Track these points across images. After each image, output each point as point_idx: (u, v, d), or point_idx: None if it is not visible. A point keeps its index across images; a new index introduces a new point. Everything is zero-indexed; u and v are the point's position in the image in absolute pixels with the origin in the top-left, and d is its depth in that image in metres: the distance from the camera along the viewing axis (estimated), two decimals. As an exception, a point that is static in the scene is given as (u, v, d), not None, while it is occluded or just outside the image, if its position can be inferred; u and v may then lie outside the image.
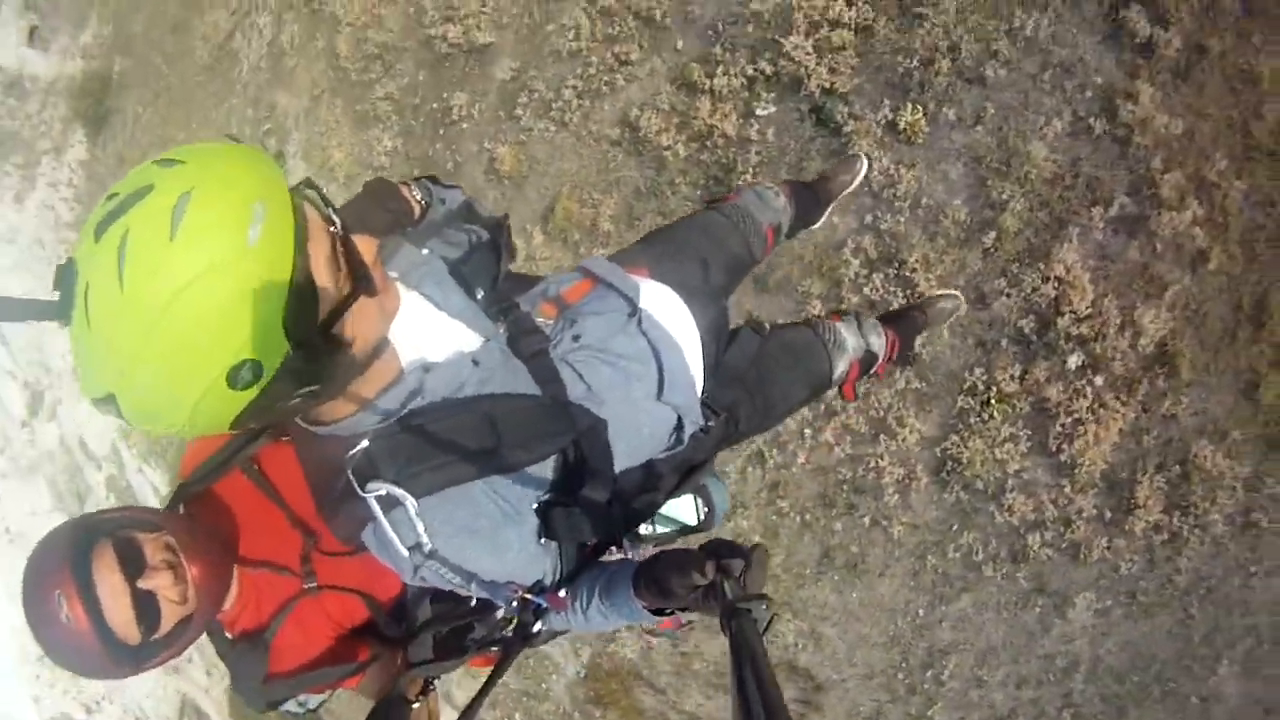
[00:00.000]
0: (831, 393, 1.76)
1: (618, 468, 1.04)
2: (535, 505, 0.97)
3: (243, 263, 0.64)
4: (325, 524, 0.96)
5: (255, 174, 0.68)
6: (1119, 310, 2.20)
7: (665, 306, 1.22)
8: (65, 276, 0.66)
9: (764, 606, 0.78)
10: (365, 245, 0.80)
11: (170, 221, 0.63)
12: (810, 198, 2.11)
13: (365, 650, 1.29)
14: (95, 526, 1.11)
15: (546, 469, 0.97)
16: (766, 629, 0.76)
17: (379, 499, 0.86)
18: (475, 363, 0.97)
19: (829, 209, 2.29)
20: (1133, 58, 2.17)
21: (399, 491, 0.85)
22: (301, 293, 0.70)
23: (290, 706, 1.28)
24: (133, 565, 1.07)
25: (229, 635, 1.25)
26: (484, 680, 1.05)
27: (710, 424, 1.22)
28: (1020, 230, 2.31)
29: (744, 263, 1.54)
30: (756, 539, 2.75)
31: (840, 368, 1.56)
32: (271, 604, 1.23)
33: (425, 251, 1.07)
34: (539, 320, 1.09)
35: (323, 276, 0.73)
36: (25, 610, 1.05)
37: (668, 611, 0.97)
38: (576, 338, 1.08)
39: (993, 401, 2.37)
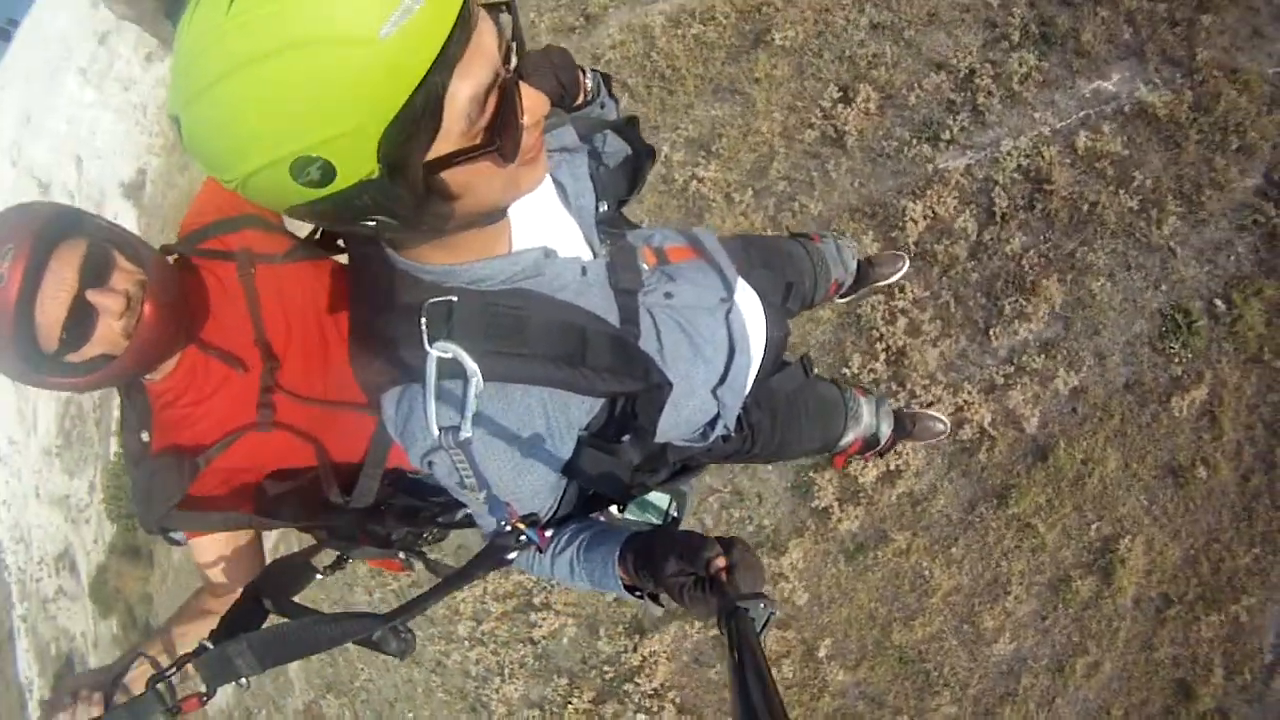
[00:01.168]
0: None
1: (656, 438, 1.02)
2: (576, 438, 0.93)
3: (361, 51, 0.54)
4: (352, 364, 0.88)
5: None
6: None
7: (750, 309, 1.21)
8: None
9: (762, 606, 0.76)
10: (536, 102, 0.69)
11: None
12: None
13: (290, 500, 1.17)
14: (83, 222, 1.03)
15: (596, 406, 0.92)
16: (764, 628, 0.74)
17: (440, 361, 0.76)
18: (584, 271, 0.92)
19: (860, 292, 2.41)
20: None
21: (471, 364, 0.75)
22: (418, 117, 0.59)
23: (179, 535, 1.18)
24: (94, 275, 0.98)
25: (145, 435, 1.15)
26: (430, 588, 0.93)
27: (733, 435, 1.21)
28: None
29: (807, 303, 1.60)
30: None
31: (848, 437, 1.64)
32: (215, 424, 1.13)
33: (579, 142, 1.02)
34: (640, 262, 1.05)
35: (456, 112, 0.62)
36: None
37: (639, 594, 0.92)
38: (669, 295, 1.04)
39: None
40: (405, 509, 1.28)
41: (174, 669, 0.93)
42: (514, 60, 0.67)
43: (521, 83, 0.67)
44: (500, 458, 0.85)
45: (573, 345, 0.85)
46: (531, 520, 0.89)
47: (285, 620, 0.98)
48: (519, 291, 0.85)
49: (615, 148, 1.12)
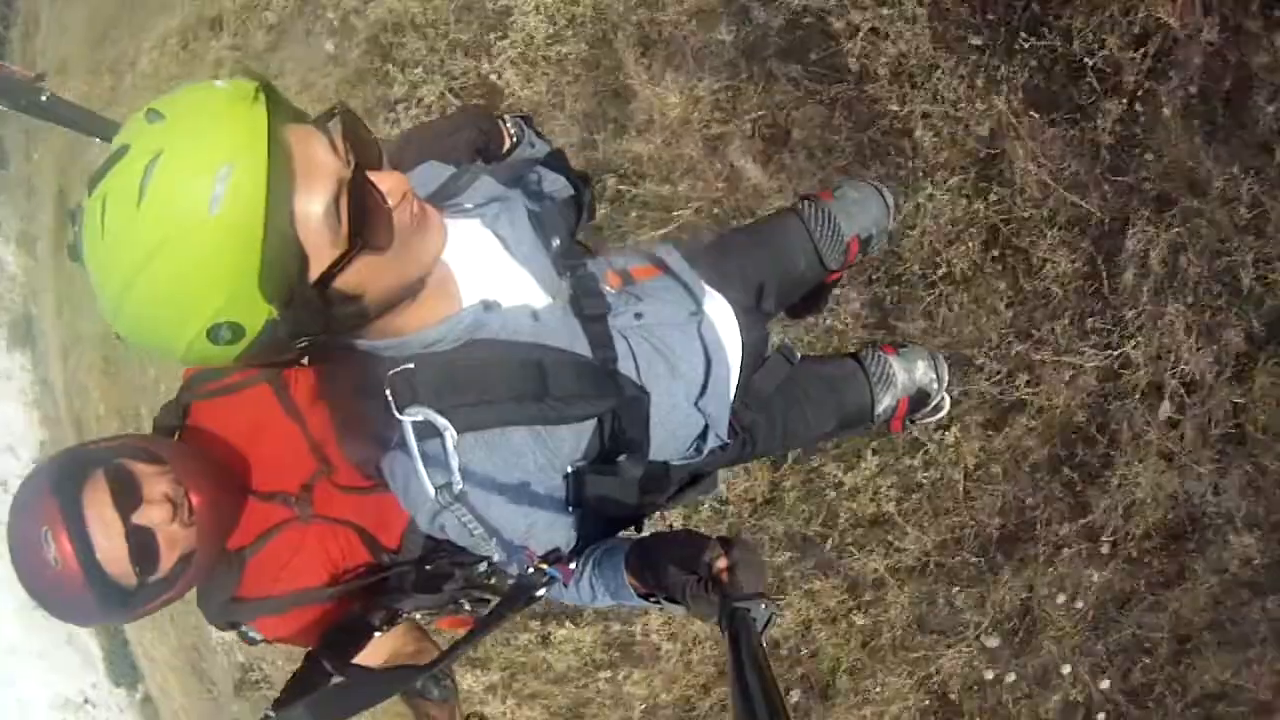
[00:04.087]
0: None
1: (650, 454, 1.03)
2: (569, 470, 0.95)
3: (202, 231, 0.63)
4: (342, 446, 0.94)
5: (233, 125, 0.64)
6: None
7: (722, 317, 1.22)
8: (75, 216, 0.69)
9: (763, 605, 0.77)
10: (392, 183, 0.73)
11: (139, 187, 0.63)
12: None
13: (343, 595, 1.20)
14: (86, 457, 1.03)
15: (585, 434, 0.95)
16: (765, 628, 0.75)
17: (415, 425, 0.81)
18: (535, 316, 0.94)
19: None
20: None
21: (440, 420, 0.80)
22: (280, 257, 0.66)
23: (255, 632, 1.20)
24: (127, 498, 0.99)
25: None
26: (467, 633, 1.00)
27: (729, 441, 1.21)
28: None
29: (805, 280, 1.48)
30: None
31: (885, 403, 1.46)
32: (255, 526, 1.16)
33: (506, 190, 1.04)
34: (603, 287, 1.07)
35: (313, 232, 0.68)
36: (11, 553, 0.97)
37: (653, 599, 0.95)
38: (639, 315, 1.06)
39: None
40: (452, 560, 1.30)
41: None
42: (352, 159, 0.71)
43: (370, 173, 0.72)
44: (500, 502, 0.88)
45: (533, 381, 0.88)
46: (554, 557, 0.94)
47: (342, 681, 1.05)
48: (473, 343, 0.88)
49: (558, 183, 1.14)
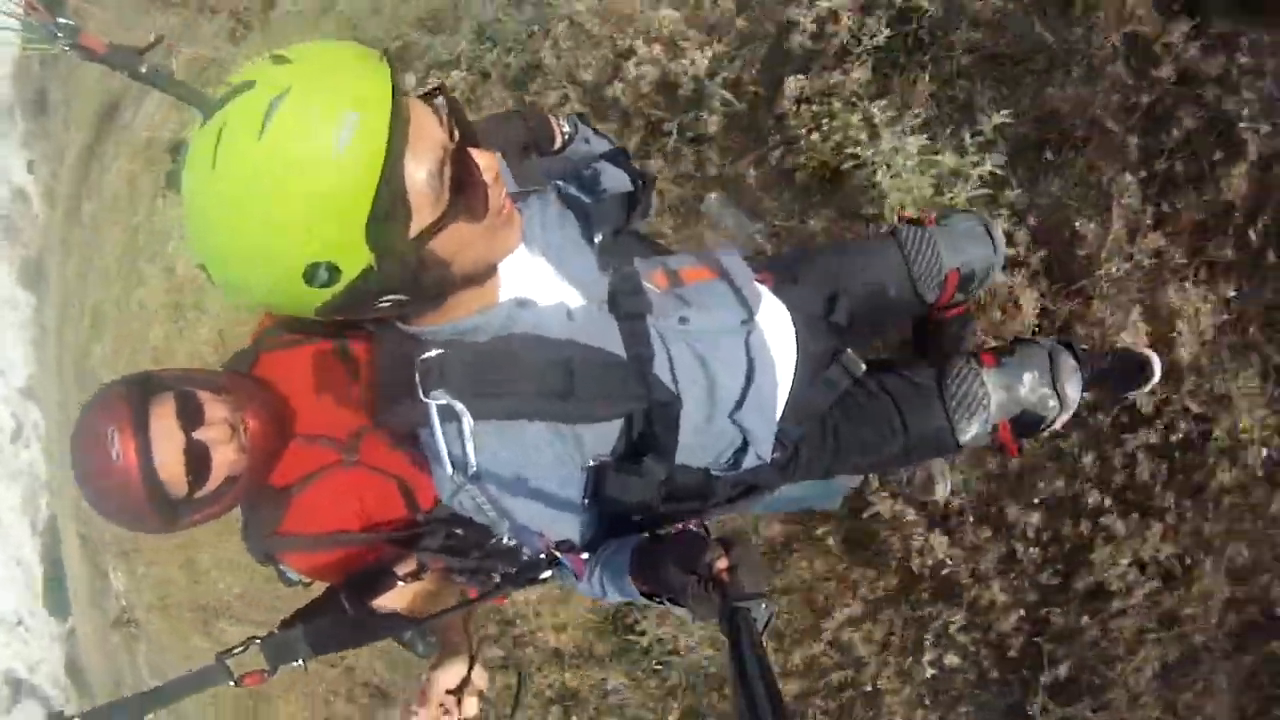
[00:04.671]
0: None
1: (676, 459, 1.02)
2: (590, 464, 0.96)
3: (324, 170, 0.65)
4: (378, 415, 0.99)
5: (359, 80, 0.68)
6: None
7: (776, 327, 1.16)
8: (179, 151, 0.72)
9: (763, 606, 0.77)
10: (485, 160, 0.77)
11: (262, 120, 0.65)
12: None
13: (375, 542, 1.24)
14: (160, 380, 1.11)
15: (612, 432, 0.96)
16: (766, 628, 0.76)
17: (439, 408, 0.85)
18: (570, 315, 0.96)
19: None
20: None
21: (459, 406, 0.84)
22: (388, 206, 0.69)
23: (292, 572, 1.26)
24: (190, 417, 1.06)
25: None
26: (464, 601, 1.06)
27: (775, 455, 1.15)
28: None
29: (895, 307, 1.30)
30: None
31: (971, 431, 1.20)
32: (303, 466, 1.21)
33: (550, 189, 1.07)
34: (646, 285, 1.06)
35: (419, 191, 0.72)
36: (73, 451, 1.05)
37: (656, 599, 0.95)
38: (684, 320, 1.06)
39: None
40: (474, 530, 1.31)
41: (241, 647, 1.10)
42: (457, 134, 0.76)
43: (469, 148, 0.77)
44: (513, 490, 0.91)
45: (560, 380, 0.90)
46: (566, 547, 0.96)
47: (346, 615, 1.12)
48: (506, 338, 0.91)
49: (617, 179, 1.15)
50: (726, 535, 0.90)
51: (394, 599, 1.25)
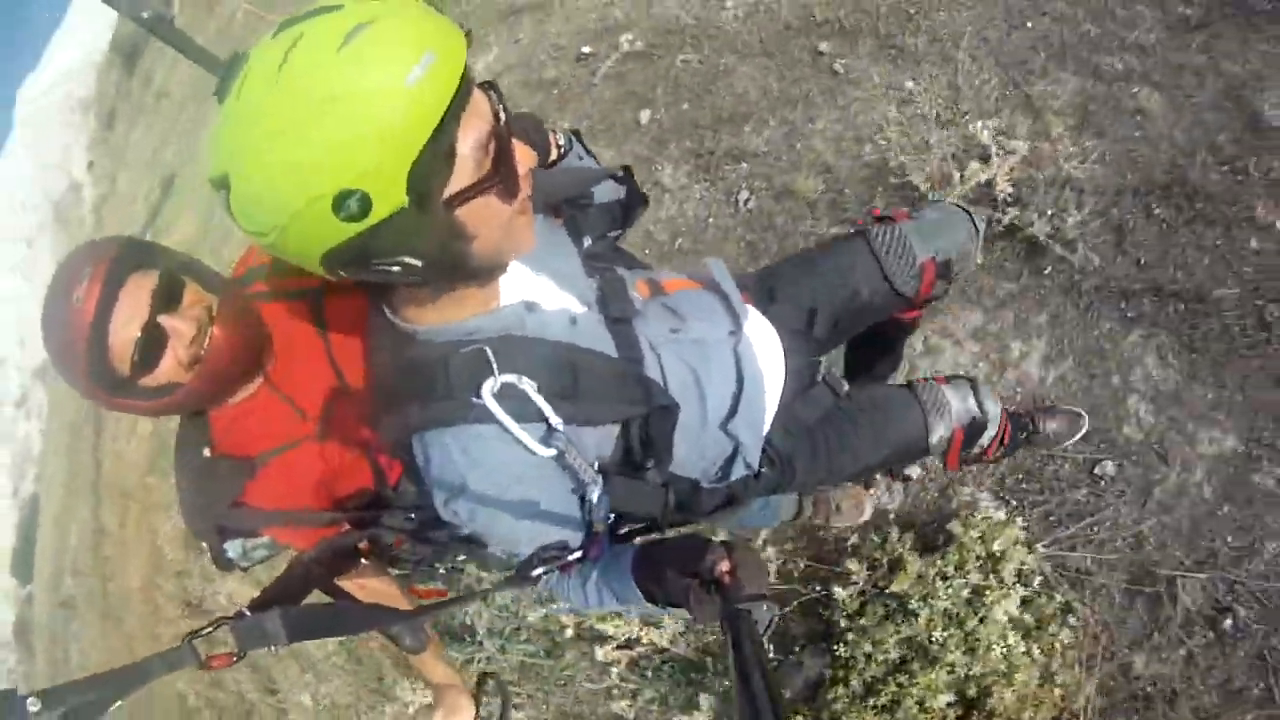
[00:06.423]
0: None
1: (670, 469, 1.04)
2: (594, 466, 0.95)
3: (392, 97, 0.65)
4: (375, 422, 0.95)
5: (441, 31, 0.69)
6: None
7: (763, 340, 1.20)
8: (234, 62, 0.70)
9: (764, 607, 0.78)
10: (525, 153, 0.79)
11: (344, 37, 0.65)
12: None
13: (342, 519, 1.20)
14: (158, 255, 1.06)
15: (610, 439, 0.96)
16: (767, 629, 0.77)
17: (504, 386, 0.84)
18: (574, 321, 0.97)
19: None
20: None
21: (527, 383, 0.85)
22: (437, 154, 0.69)
23: (235, 550, 1.19)
24: (165, 301, 1.01)
25: (208, 451, 1.16)
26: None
27: (763, 469, 1.19)
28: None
29: (873, 309, 1.38)
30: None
31: (939, 433, 1.37)
32: (270, 436, 1.14)
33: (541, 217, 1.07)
34: (631, 294, 1.08)
35: (465, 153, 0.72)
36: (53, 278, 0.99)
37: (660, 603, 0.95)
38: (674, 330, 1.07)
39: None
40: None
41: (210, 628, 1.00)
42: (504, 117, 0.77)
43: (513, 138, 0.77)
44: (515, 490, 0.89)
45: (565, 381, 0.90)
46: (560, 547, 0.95)
47: (323, 600, 1.07)
48: (507, 339, 0.89)
49: (607, 191, 1.18)
50: (727, 539, 0.92)
51: (354, 585, 1.22)
